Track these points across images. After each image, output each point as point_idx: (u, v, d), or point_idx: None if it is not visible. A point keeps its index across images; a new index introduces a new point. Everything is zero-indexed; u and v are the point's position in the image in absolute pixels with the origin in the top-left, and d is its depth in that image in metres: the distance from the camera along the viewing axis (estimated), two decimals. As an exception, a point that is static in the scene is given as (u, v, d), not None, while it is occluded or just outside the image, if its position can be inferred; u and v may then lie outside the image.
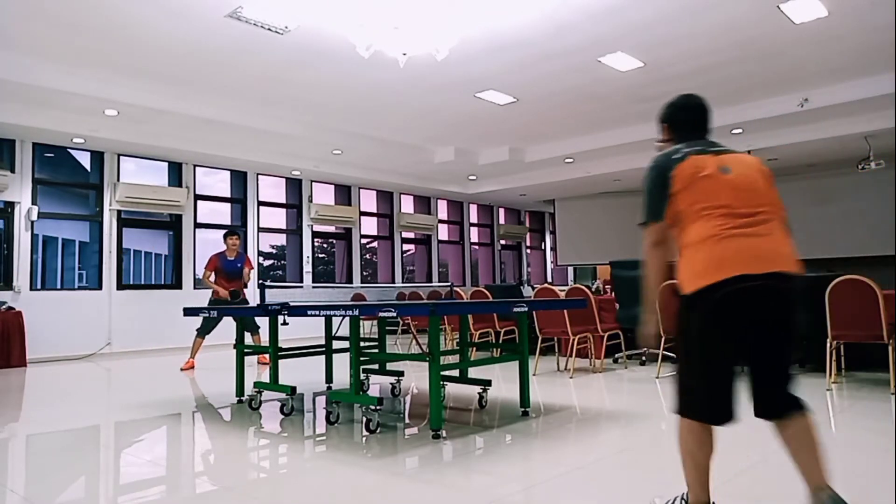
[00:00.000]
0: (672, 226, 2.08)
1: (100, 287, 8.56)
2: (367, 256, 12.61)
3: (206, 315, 4.98)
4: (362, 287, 10.81)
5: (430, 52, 5.40)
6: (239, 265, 6.98)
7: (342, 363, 4.79)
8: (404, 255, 12.96)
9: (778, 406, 2.02)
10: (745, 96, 7.86)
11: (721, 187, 2.00)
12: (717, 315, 1.94)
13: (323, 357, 5.31)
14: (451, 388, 4.94)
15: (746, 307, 1.93)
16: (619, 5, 5.35)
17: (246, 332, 6.28)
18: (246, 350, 4.96)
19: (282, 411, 4.27)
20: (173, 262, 9.47)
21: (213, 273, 6.88)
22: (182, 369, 6.70)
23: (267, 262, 10.84)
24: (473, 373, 4.78)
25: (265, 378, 4.91)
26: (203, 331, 6.85)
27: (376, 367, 5.04)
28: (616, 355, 6.63)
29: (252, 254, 10.15)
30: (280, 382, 4.49)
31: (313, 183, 11.15)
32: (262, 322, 6.33)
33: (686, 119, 2.29)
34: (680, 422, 2.04)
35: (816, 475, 1.99)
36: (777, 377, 2.01)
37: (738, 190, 2.00)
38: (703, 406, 2.00)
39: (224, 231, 7.16)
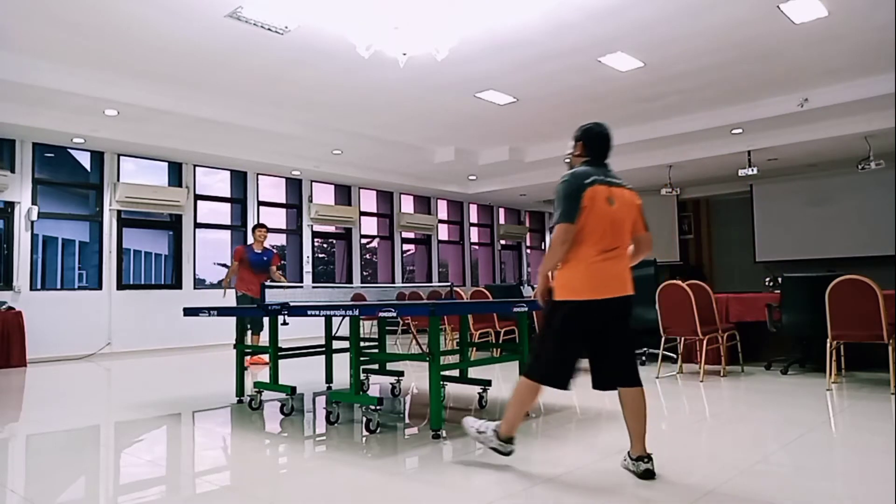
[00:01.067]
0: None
1: (100, 287, 8.56)
2: (367, 256, 12.61)
3: (206, 315, 4.95)
4: (362, 287, 10.81)
5: (430, 52, 5.40)
6: (266, 259, 6.84)
7: (342, 363, 4.79)
8: (404, 255, 12.96)
9: (620, 379, 2.78)
10: (745, 96, 7.86)
11: (604, 218, 2.68)
12: (578, 319, 2.69)
13: (323, 357, 5.31)
14: (451, 388, 4.94)
15: (600, 317, 2.70)
16: (620, 5, 5.35)
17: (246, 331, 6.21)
18: (246, 350, 4.96)
19: (282, 411, 4.26)
20: (173, 263, 9.47)
21: (238, 264, 6.77)
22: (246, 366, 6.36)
23: (280, 263, 10.84)
24: (473, 373, 4.78)
25: (262, 377, 4.90)
26: (256, 328, 6.70)
27: (376, 367, 5.04)
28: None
29: (252, 254, 10.14)
30: (280, 382, 4.48)
31: (313, 183, 11.14)
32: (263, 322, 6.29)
33: (599, 146, 2.92)
34: (526, 381, 2.78)
35: (640, 444, 2.71)
36: (619, 363, 2.79)
37: (613, 223, 2.70)
38: (551, 376, 2.74)
39: (254, 225, 7.22)
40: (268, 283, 6.24)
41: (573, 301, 2.68)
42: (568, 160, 2.99)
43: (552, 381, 2.73)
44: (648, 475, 2.65)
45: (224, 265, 10.64)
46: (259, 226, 7.02)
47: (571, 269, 2.71)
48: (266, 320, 6.02)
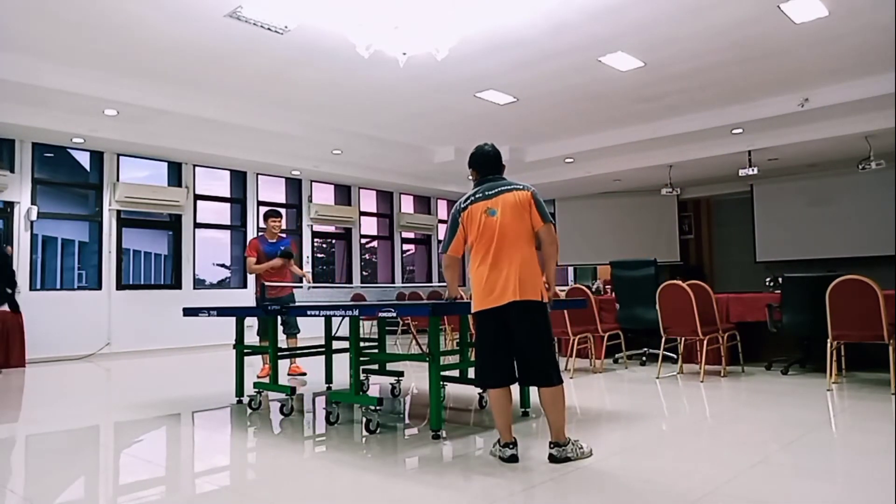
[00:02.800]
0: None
1: (99, 287, 8.55)
2: (367, 256, 12.60)
3: (206, 315, 4.94)
4: (362, 287, 10.80)
5: (430, 52, 5.39)
6: (282, 249, 6.11)
7: (342, 363, 4.79)
8: (404, 255, 12.95)
9: (529, 380, 3.04)
10: (745, 96, 7.85)
11: (486, 231, 2.98)
12: (483, 326, 3.02)
13: (323, 357, 5.31)
14: (451, 389, 4.94)
15: (500, 323, 2.96)
16: (620, 5, 5.35)
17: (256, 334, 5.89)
18: (246, 350, 4.95)
19: (282, 412, 4.26)
20: (173, 263, 9.46)
21: (256, 258, 5.98)
22: (259, 377, 5.77)
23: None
24: (473, 373, 4.77)
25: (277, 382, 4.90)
26: (262, 333, 5.76)
27: (376, 367, 5.03)
28: (616, 355, 6.63)
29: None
30: (280, 383, 4.48)
31: (313, 183, 11.14)
32: (254, 321, 5.88)
33: (481, 164, 3.21)
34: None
35: (557, 431, 2.93)
36: (528, 363, 2.98)
37: (498, 233, 2.95)
38: (481, 378, 3.11)
39: (264, 213, 6.38)
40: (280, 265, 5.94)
41: (476, 311, 3.03)
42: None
43: (483, 381, 3.08)
44: (514, 459, 2.94)
45: (224, 265, 10.64)
46: (272, 214, 6.23)
47: (472, 282, 3.05)
48: (299, 321, 5.84)
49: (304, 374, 6.13)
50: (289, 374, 6.11)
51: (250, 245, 6.17)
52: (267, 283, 5.73)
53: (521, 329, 2.94)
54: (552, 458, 2.90)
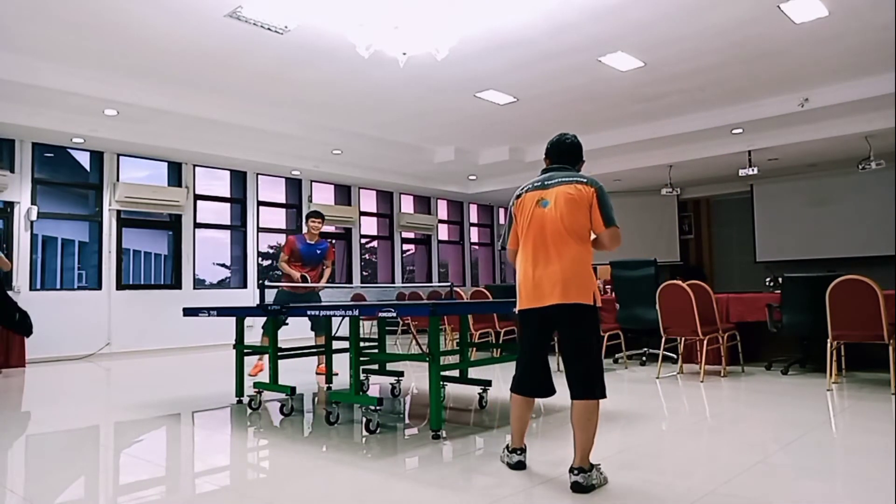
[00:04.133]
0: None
1: (99, 287, 8.55)
2: (367, 256, 12.60)
3: (206, 315, 4.93)
4: (362, 287, 10.80)
5: (430, 52, 5.39)
6: (319, 252, 6.07)
7: (342, 363, 4.79)
8: (404, 255, 12.95)
9: (571, 390, 2.71)
10: (745, 96, 7.85)
11: (533, 221, 2.74)
12: (525, 327, 2.83)
13: (323, 357, 5.30)
14: (451, 389, 4.94)
15: (543, 325, 2.78)
16: (620, 5, 5.35)
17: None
18: (246, 350, 4.95)
19: (282, 411, 4.26)
20: (173, 263, 9.46)
21: (289, 257, 5.98)
22: (250, 374, 5.68)
23: (266, 262, 10.82)
24: (473, 373, 4.77)
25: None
26: (318, 328, 5.80)
27: (376, 367, 5.04)
28: (616, 355, 6.63)
29: (251, 254, 10.14)
30: (280, 382, 4.48)
31: (313, 183, 11.14)
32: (254, 322, 5.68)
33: (553, 152, 2.92)
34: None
35: (583, 455, 2.59)
36: (571, 373, 2.72)
37: (544, 223, 2.71)
38: (516, 383, 2.88)
39: (308, 213, 6.34)
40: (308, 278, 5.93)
41: (518, 311, 2.83)
42: None
43: (514, 386, 2.86)
44: (521, 466, 2.84)
45: (224, 265, 10.64)
46: (314, 215, 6.14)
47: (518, 279, 2.83)
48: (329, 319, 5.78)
49: (336, 373, 6.08)
50: (317, 374, 6.05)
51: (287, 243, 6.11)
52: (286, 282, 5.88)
53: (565, 335, 2.71)
54: (577, 487, 2.52)
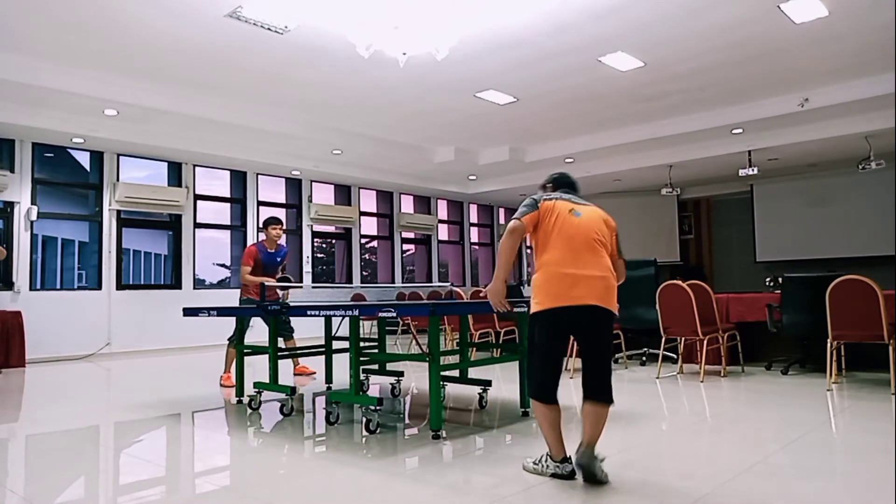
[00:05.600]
0: (533, 244, 2.84)
1: (99, 287, 8.55)
2: (367, 256, 12.60)
3: (206, 315, 4.93)
4: (362, 287, 10.81)
5: (430, 52, 5.39)
6: (279, 259, 5.87)
7: (342, 363, 4.79)
8: (404, 255, 12.95)
9: (594, 392, 2.79)
10: (745, 96, 7.85)
11: (566, 225, 2.75)
12: (553, 326, 2.72)
13: (323, 357, 5.31)
14: (451, 389, 4.94)
15: (570, 327, 2.76)
16: (620, 5, 5.35)
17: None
18: (246, 350, 4.95)
19: (282, 411, 4.26)
20: (173, 263, 9.46)
21: (252, 268, 5.64)
22: (222, 385, 5.58)
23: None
24: (473, 373, 4.78)
25: (264, 380, 4.89)
26: (237, 339, 5.37)
27: (376, 367, 5.04)
28: (616, 355, 6.62)
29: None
30: (280, 382, 4.48)
31: (313, 183, 11.14)
32: (254, 322, 5.66)
33: (564, 184, 3.09)
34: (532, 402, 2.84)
35: (592, 442, 2.70)
36: (599, 375, 2.79)
37: (578, 230, 2.76)
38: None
39: (264, 220, 5.98)
40: (275, 282, 5.65)
41: (545, 310, 2.73)
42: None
43: (543, 394, 2.76)
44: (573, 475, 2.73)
45: (224, 265, 10.64)
46: (273, 221, 5.83)
47: (541, 279, 2.78)
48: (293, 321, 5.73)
49: (314, 373, 6.11)
50: (295, 375, 6.06)
51: (247, 253, 5.76)
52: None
53: (593, 338, 2.76)
54: (601, 473, 2.63)
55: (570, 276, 2.67)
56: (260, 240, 5.89)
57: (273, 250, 5.82)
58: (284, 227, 5.96)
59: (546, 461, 2.77)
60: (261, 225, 5.90)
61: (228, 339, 5.71)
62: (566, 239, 2.72)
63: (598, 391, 2.75)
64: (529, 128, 9.18)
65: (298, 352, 5.40)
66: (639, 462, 3.05)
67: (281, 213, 10.88)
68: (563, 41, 6.06)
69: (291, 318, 5.66)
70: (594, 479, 2.61)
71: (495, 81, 7.22)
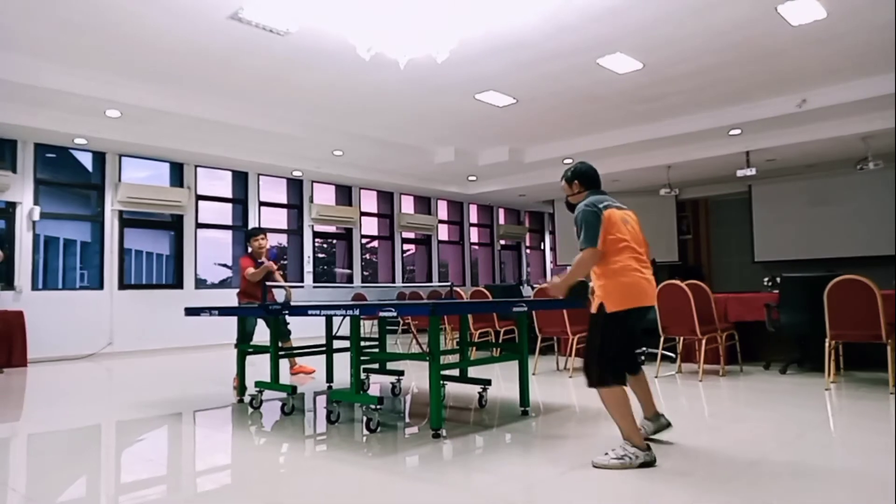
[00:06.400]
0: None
1: (101, 287, 8.58)
2: (368, 256, 12.63)
3: (208, 315, 4.95)
4: (362, 287, 10.83)
5: (430, 54, 5.42)
6: (273, 253, 6.14)
7: (342, 363, 4.81)
8: (404, 255, 12.98)
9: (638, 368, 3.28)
10: (745, 96, 7.87)
11: (626, 234, 3.03)
12: (629, 323, 3.01)
13: (323, 357, 5.33)
14: (451, 388, 4.96)
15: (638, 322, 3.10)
16: (619, 7, 5.37)
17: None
18: (248, 350, 4.98)
19: (282, 411, 4.28)
20: (175, 263, 9.48)
21: (253, 268, 5.70)
22: (235, 388, 5.15)
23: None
24: (473, 372, 4.80)
25: (264, 379, 4.91)
26: (239, 339, 5.47)
27: (376, 366, 5.06)
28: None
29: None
30: (280, 382, 4.51)
31: (314, 183, 11.17)
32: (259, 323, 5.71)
33: (592, 179, 3.27)
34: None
35: (652, 406, 3.29)
36: (634, 356, 3.34)
37: (637, 237, 3.08)
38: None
39: (248, 232, 6.05)
40: (280, 278, 5.81)
41: (628, 310, 3.02)
42: (572, 199, 3.31)
43: (618, 377, 3.02)
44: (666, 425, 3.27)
45: (225, 265, 10.66)
46: (257, 233, 5.91)
47: (618, 281, 3.05)
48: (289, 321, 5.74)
49: (313, 371, 6.13)
50: (292, 375, 6.08)
51: (246, 261, 5.80)
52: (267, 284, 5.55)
53: (640, 329, 3.24)
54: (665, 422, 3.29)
55: (646, 281, 3.03)
56: (248, 253, 5.90)
57: (262, 260, 5.85)
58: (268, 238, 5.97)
59: (631, 451, 2.86)
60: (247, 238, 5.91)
61: (235, 346, 5.59)
62: (630, 247, 3.02)
63: (636, 363, 3.27)
64: (529, 129, 9.21)
65: (296, 351, 5.43)
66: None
67: (282, 214, 10.91)
68: (563, 43, 6.09)
69: (289, 319, 5.71)
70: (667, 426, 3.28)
71: (495, 83, 7.24)
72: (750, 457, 3.03)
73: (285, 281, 5.98)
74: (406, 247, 13.10)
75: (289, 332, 6.00)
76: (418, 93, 7.48)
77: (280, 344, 5.59)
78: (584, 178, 3.26)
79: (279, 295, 6.29)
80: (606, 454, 2.87)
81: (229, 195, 10.22)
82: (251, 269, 5.74)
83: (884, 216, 9.98)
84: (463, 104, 7.92)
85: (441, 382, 4.06)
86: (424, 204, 13.30)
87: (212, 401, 5.02)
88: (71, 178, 9.14)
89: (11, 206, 7.88)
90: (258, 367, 6.04)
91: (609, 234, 2.98)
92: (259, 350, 5.25)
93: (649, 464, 2.84)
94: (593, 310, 3.05)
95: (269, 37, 5.79)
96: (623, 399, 2.94)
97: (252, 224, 10.14)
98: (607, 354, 2.98)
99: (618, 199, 3.20)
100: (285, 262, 11.12)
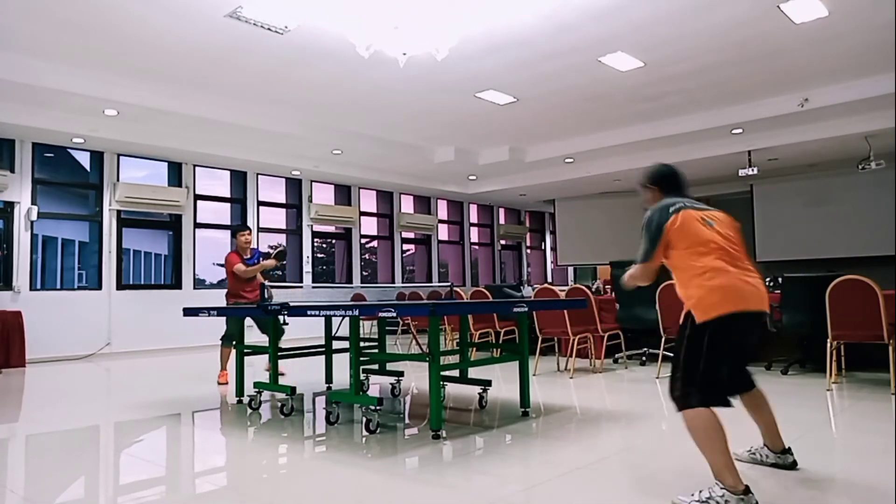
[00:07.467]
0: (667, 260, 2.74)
1: (99, 287, 8.55)
2: (367, 256, 12.61)
3: (206, 315, 4.94)
4: (362, 287, 10.81)
5: (430, 52, 5.39)
6: (255, 262, 6.00)
7: (342, 363, 4.79)
8: (404, 255, 12.96)
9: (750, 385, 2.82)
10: (745, 96, 7.86)
11: (708, 235, 2.60)
12: (734, 330, 2.53)
13: (323, 357, 5.31)
14: (451, 389, 4.94)
15: (750, 328, 2.60)
16: (620, 5, 5.35)
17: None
18: (246, 350, 4.95)
19: (282, 411, 4.26)
20: (173, 263, 9.46)
21: (241, 263, 5.84)
22: (219, 383, 5.73)
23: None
24: (473, 373, 4.78)
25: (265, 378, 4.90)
26: (227, 339, 5.84)
27: (376, 367, 5.04)
28: (616, 355, 6.63)
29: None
30: (280, 382, 4.48)
31: (313, 183, 11.15)
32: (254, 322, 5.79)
33: (672, 181, 2.89)
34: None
35: (774, 436, 2.85)
36: (744, 371, 2.81)
37: (722, 237, 2.62)
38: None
39: (233, 228, 6.09)
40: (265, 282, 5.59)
41: (725, 315, 2.56)
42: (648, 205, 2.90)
43: (722, 398, 2.53)
44: (794, 466, 2.80)
45: (223, 265, 10.63)
46: (242, 228, 6.04)
47: (705, 285, 2.63)
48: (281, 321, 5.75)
49: (283, 374, 6.06)
50: (280, 375, 6.01)
51: (233, 258, 5.88)
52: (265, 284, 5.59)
53: (752, 340, 2.67)
54: (794, 465, 2.81)
55: (743, 282, 2.56)
56: (234, 250, 5.95)
57: (248, 257, 6.00)
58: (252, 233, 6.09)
59: (718, 495, 2.34)
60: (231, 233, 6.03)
61: (221, 339, 5.91)
62: (716, 249, 2.58)
63: (749, 379, 2.80)
64: (529, 128, 9.19)
65: (305, 352, 5.39)
66: (639, 462, 3.05)
67: (281, 213, 10.89)
68: (563, 41, 6.07)
69: (289, 320, 5.68)
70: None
71: (495, 81, 7.22)
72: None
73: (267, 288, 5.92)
74: (406, 247, 13.08)
75: (282, 332, 5.95)
76: (418, 91, 7.45)
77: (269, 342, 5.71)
78: (658, 180, 2.89)
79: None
80: (692, 495, 2.40)
81: (228, 195, 10.19)
82: (241, 266, 5.81)
83: (885, 216, 9.96)
84: (463, 103, 7.90)
85: (441, 383, 4.03)
86: (424, 203, 13.28)
87: (211, 401, 5.00)
88: (69, 177, 9.12)
89: (9, 206, 7.86)
90: (256, 367, 6.02)
91: (681, 242, 2.61)
92: (258, 350, 5.23)
93: None
94: (681, 319, 2.66)
95: (268, 35, 5.77)
96: (711, 425, 2.40)
97: (251, 224, 10.11)
98: (692, 371, 2.50)
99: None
100: (284, 261, 11.08)
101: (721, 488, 2.34)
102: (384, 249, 12.69)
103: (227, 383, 5.70)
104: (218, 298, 9.39)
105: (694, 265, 2.58)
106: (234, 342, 5.74)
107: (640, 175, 2.94)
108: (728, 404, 2.51)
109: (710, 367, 2.50)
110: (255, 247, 6.38)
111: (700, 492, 2.39)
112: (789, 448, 2.84)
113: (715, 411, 2.42)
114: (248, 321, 5.51)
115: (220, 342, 5.94)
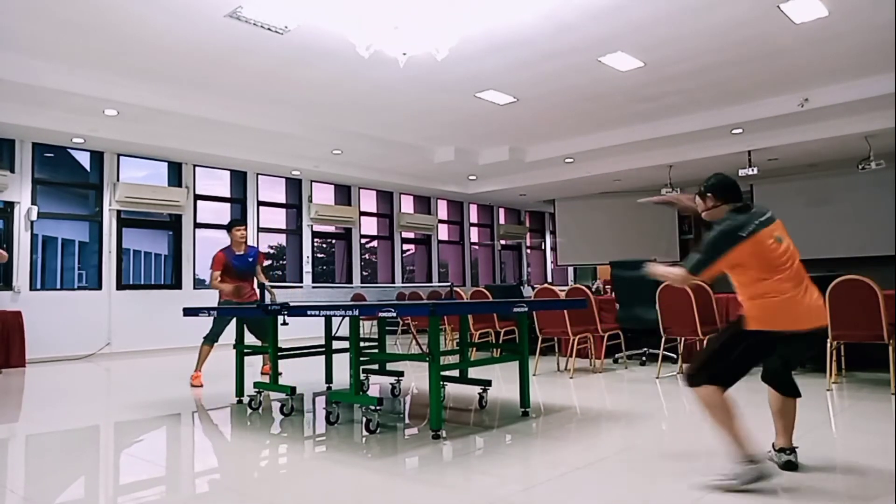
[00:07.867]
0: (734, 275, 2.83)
1: (99, 287, 8.55)
2: (367, 256, 12.61)
3: (206, 315, 4.94)
4: (362, 287, 10.81)
5: (430, 52, 5.39)
6: (251, 260, 5.89)
7: (342, 363, 4.79)
8: (404, 255, 12.95)
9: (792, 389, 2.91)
10: (745, 96, 7.86)
11: (779, 255, 2.77)
12: (767, 343, 2.73)
13: (323, 357, 5.31)
14: (451, 389, 4.94)
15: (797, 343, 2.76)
16: (620, 5, 5.35)
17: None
18: (246, 350, 4.95)
19: (282, 411, 4.26)
20: (173, 263, 9.46)
21: (220, 272, 5.72)
22: (192, 385, 5.70)
23: (266, 262, 10.83)
24: (473, 373, 4.77)
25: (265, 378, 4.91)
26: (211, 338, 5.84)
27: (376, 367, 5.04)
28: (616, 355, 6.63)
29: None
30: (280, 382, 4.48)
31: (313, 183, 11.14)
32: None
33: (733, 191, 3.02)
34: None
35: (788, 437, 2.86)
36: (788, 375, 2.91)
37: (792, 254, 2.82)
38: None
39: (227, 223, 6.07)
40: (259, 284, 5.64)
41: (773, 331, 2.74)
42: (709, 214, 3.09)
43: (726, 380, 2.75)
44: (790, 467, 2.78)
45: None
46: (237, 223, 5.94)
47: (772, 303, 2.76)
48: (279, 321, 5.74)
49: (266, 374, 6.04)
50: (262, 374, 6.00)
51: (216, 259, 5.74)
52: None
53: (803, 351, 2.99)
54: (790, 466, 2.79)
55: (804, 305, 2.72)
56: (226, 246, 5.87)
57: (242, 252, 5.85)
58: (247, 228, 5.98)
59: (745, 467, 2.54)
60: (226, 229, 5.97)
61: (204, 337, 5.86)
62: (784, 269, 2.76)
63: (792, 385, 2.89)
64: (529, 128, 9.19)
65: (305, 352, 5.40)
66: (639, 462, 3.05)
67: (281, 213, 10.89)
68: (563, 41, 6.06)
69: (289, 320, 5.67)
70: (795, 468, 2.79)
71: (495, 81, 7.22)
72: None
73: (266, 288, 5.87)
74: (406, 247, 13.08)
75: (266, 334, 5.90)
76: (418, 91, 7.45)
77: (261, 343, 5.71)
78: (719, 190, 2.99)
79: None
80: (727, 475, 2.58)
81: (228, 195, 10.19)
82: (215, 273, 5.70)
83: (885, 216, 9.96)
84: (463, 103, 7.90)
85: (441, 383, 4.03)
86: (424, 203, 13.27)
87: (210, 401, 5.00)
88: (69, 177, 9.12)
89: (9, 206, 7.86)
90: (256, 367, 6.02)
91: (752, 264, 2.74)
92: (257, 350, 5.23)
93: (763, 476, 2.53)
94: (733, 317, 2.79)
95: (268, 35, 5.76)
96: (722, 402, 2.65)
97: (251, 224, 10.13)
98: (716, 362, 2.72)
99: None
100: (284, 261, 11.10)
101: (742, 464, 2.54)
102: (384, 249, 12.69)
103: (201, 386, 5.65)
104: (217, 298, 9.42)
105: (761, 284, 2.72)
106: (214, 343, 5.84)
107: (703, 187, 3.04)
108: (723, 385, 2.70)
109: (733, 365, 2.70)
110: (254, 245, 6.29)
111: (732, 471, 2.55)
112: (794, 449, 2.86)
113: (725, 391, 2.65)
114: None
115: (202, 339, 5.84)
